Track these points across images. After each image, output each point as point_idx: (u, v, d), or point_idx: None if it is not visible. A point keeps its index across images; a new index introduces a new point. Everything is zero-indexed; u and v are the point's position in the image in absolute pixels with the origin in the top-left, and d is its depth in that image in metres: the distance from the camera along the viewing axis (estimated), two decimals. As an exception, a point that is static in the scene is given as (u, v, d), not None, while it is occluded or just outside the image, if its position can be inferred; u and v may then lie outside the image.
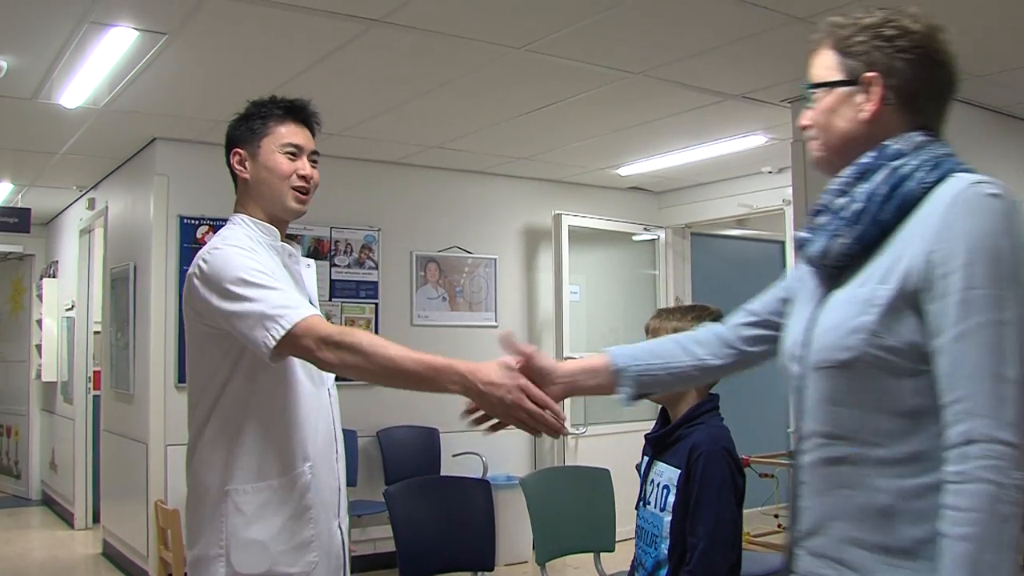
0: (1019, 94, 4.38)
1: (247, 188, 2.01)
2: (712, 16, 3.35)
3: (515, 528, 5.00)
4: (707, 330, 1.65)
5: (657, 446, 2.25)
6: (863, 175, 1.32)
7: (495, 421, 1.67)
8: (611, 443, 5.67)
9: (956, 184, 1.24)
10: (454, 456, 5.66)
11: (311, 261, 2.15)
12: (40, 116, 4.60)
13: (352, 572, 2.23)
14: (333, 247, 5.63)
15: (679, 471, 2.11)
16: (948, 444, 1.17)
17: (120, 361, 5.71)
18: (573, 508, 3.54)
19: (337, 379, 2.00)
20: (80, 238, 6.98)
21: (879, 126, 1.34)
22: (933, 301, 1.20)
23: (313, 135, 2.05)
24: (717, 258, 6.98)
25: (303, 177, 1.99)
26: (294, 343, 1.72)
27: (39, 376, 7.88)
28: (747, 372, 1.67)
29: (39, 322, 7.88)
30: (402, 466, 5.42)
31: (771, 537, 5.09)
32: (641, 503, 2.26)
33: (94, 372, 6.74)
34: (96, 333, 6.76)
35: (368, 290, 5.74)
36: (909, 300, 1.22)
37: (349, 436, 5.21)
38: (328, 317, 5.35)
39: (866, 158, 1.33)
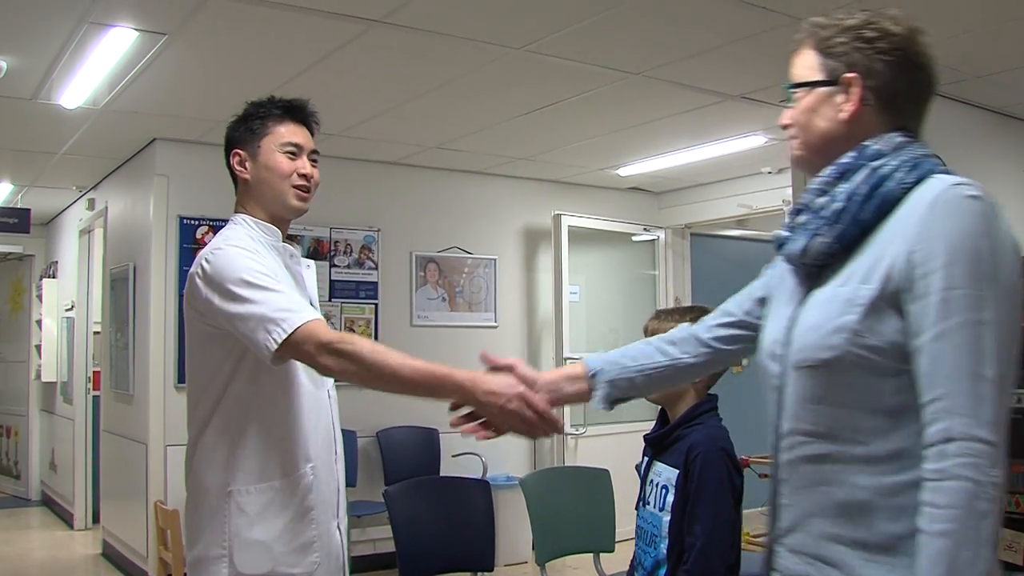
0: (1019, 94, 4.39)
1: (248, 188, 2.01)
2: (712, 16, 3.35)
3: (515, 528, 5.01)
4: (682, 329, 1.67)
5: (656, 446, 2.26)
6: (843, 175, 1.34)
7: (487, 431, 1.69)
8: (611, 443, 5.66)
9: (936, 185, 1.26)
10: (454, 456, 5.66)
11: (311, 262, 2.15)
12: (40, 116, 4.60)
13: (352, 572, 2.23)
14: (333, 247, 5.63)
15: (677, 471, 2.12)
16: (927, 442, 1.18)
17: (120, 361, 5.71)
18: (573, 508, 3.54)
19: (336, 380, 2.00)
20: (80, 238, 6.98)
21: (858, 126, 1.35)
22: (914, 301, 1.21)
23: (312, 134, 2.06)
24: (717, 258, 6.98)
25: (303, 176, 1.99)
26: (295, 347, 1.73)
27: (39, 376, 7.88)
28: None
29: (39, 322, 7.88)
30: (402, 466, 5.42)
31: (771, 537, 5.08)
32: (641, 503, 2.27)
33: (94, 372, 6.74)
34: (96, 333, 6.76)
35: (368, 290, 5.74)
36: (891, 300, 1.24)
37: (349, 436, 5.22)
38: (328, 318, 5.36)
39: (846, 158, 1.34)
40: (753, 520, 4.58)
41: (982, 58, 3.85)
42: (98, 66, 3.83)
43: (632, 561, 2.29)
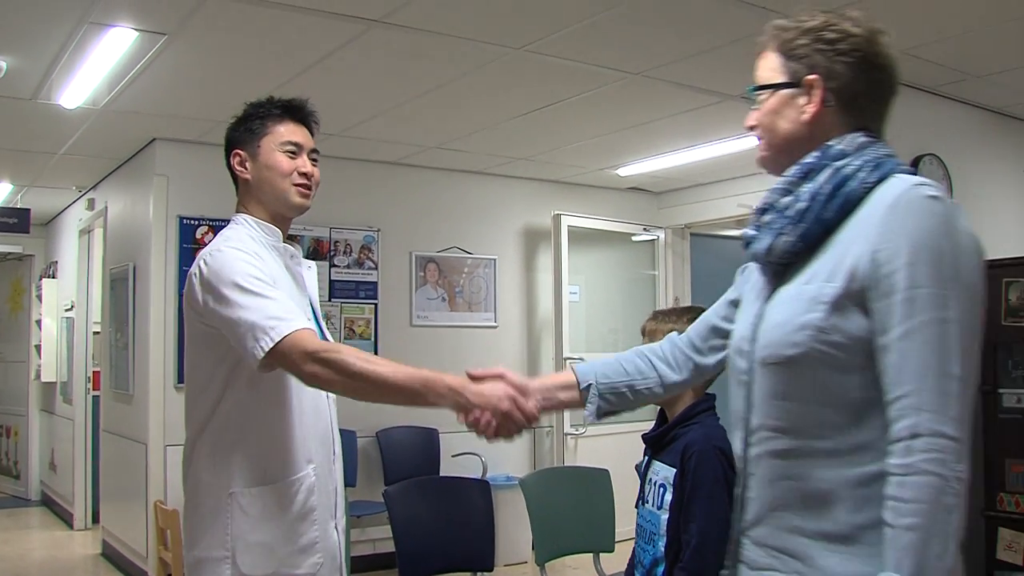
0: (1019, 94, 4.39)
1: (248, 188, 2.01)
2: (712, 17, 3.35)
3: (514, 528, 5.01)
4: (671, 343, 1.69)
5: (654, 445, 2.28)
6: (807, 175, 1.36)
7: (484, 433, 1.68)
8: (610, 443, 5.66)
9: (898, 185, 1.28)
10: (453, 456, 5.66)
11: (312, 263, 2.15)
12: (40, 116, 4.60)
13: (352, 572, 2.23)
14: (332, 247, 5.63)
15: (675, 470, 2.14)
16: (893, 437, 1.20)
17: (119, 361, 5.71)
18: (572, 508, 3.54)
19: (324, 390, 1.99)
20: (79, 238, 6.98)
21: (820, 127, 1.38)
22: (879, 299, 1.24)
23: (312, 134, 2.06)
24: (716, 258, 6.97)
25: (304, 175, 2.00)
26: (282, 356, 1.72)
27: (38, 376, 7.88)
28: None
29: (38, 322, 7.88)
30: (401, 466, 5.42)
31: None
32: (640, 501, 2.28)
33: (93, 372, 6.74)
34: (95, 333, 6.76)
35: (367, 290, 5.74)
36: (855, 298, 1.26)
37: (348, 436, 5.22)
38: (328, 318, 5.37)
39: (810, 158, 1.37)
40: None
41: (982, 58, 3.85)
42: (98, 66, 3.83)
43: (631, 558, 2.30)
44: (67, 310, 7.37)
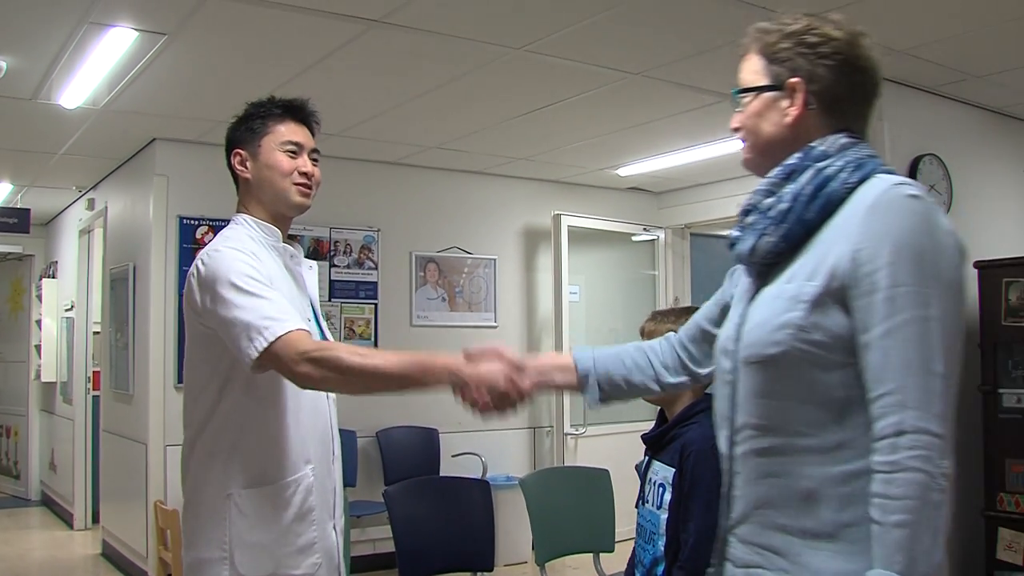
0: (1019, 94, 4.39)
1: (249, 188, 2.02)
2: (712, 16, 3.35)
3: (515, 528, 5.00)
4: (667, 344, 1.71)
5: (654, 445, 2.29)
6: (790, 176, 1.38)
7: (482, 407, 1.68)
8: (610, 443, 5.67)
9: (878, 185, 1.29)
10: (453, 456, 5.67)
11: (313, 263, 2.15)
12: (40, 116, 4.60)
13: (352, 572, 2.23)
14: (332, 247, 5.63)
15: (674, 470, 2.15)
16: (878, 435, 1.21)
17: (119, 361, 5.71)
18: (572, 508, 3.54)
19: (321, 390, 1.98)
20: (79, 238, 6.98)
21: (803, 129, 1.39)
22: (860, 298, 1.25)
23: (312, 134, 2.06)
24: (716, 258, 6.97)
25: (304, 174, 2.00)
26: (274, 357, 1.72)
27: (38, 376, 7.88)
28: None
29: (38, 322, 7.88)
30: (401, 466, 5.42)
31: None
32: (640, 501, 2.29)
33: (93, 372, 6.74)
34: (95, 333, 6.76)
35: (367, 291, 5.74)
36: (835, 296, 1.27)
37: (348, 436, 5.22)
38: (328, 318, 5.36)
39: (793, 159, 1.38)
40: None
41: (982, 58, 3.85)
42: (98, 66, 3.83)
43: (631, 558, 2.31)
44: (67, 310, 7.37)
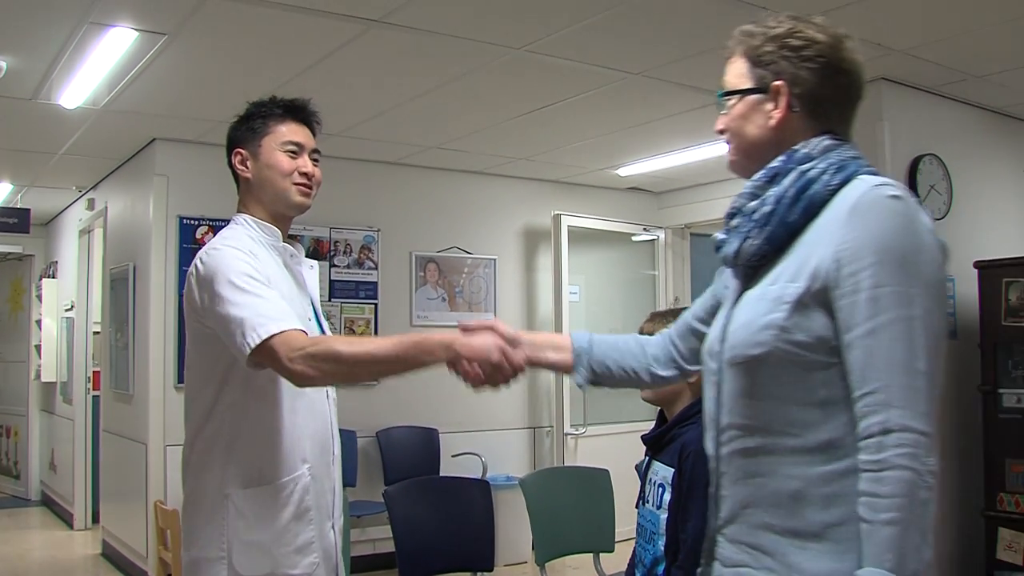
0: (1019, 94, 4.39)
1: (249, 188, 2.02)
2: (712, 16, 3.35)
3: (515, 528, 5.00)
4: (662, 340, 1.73)
5: (654, 446, 2.29)
6: (773, 179, 1.39)
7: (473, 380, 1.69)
8: (611, 443, 5.67)
9: (859, 186, 1.30)
10: (453, 456, 5.67)
11: (314, 262, 2.15)
12: (40, 116, 4.60)
13: (351, 572, 2.23)
14: (332, 247, 5.63)
15: (673, 470, 2.15)
16: (864, 434, 1.22)
17: (119, 361, 5.71)
18: (572, 508, 3.54)
19: (319, 386, 1.98)
20: (79, 238, 6.98)
21: (786, 132, 1.40)
22: (843, 298, 1.26)
23: (313, 134, 2.07)
24: (716, 259, 6.95)
25: (305, 174, 2.00)
26: (269, 353, 1.72)
27: (38, 376, 7.88)
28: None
29: (38, 322, 7.88)
30: (401, 466, 5.42)
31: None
32: (640, 501, 2.30)
33: (93, 372, 6.74)
34: (95, 333, 6.76)
35: (367, 290, 5.75)
36: (818, 297, 1.28)
37: (348, 436, 5.22)
38: (328, 318, 5.36)
39: (776, 162, 1.39)
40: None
41: (982, 58, 3.85)
42: (98, 66, 3.83)
43: (632, 558, 2.31)
44: (67, 310, 7.37)
